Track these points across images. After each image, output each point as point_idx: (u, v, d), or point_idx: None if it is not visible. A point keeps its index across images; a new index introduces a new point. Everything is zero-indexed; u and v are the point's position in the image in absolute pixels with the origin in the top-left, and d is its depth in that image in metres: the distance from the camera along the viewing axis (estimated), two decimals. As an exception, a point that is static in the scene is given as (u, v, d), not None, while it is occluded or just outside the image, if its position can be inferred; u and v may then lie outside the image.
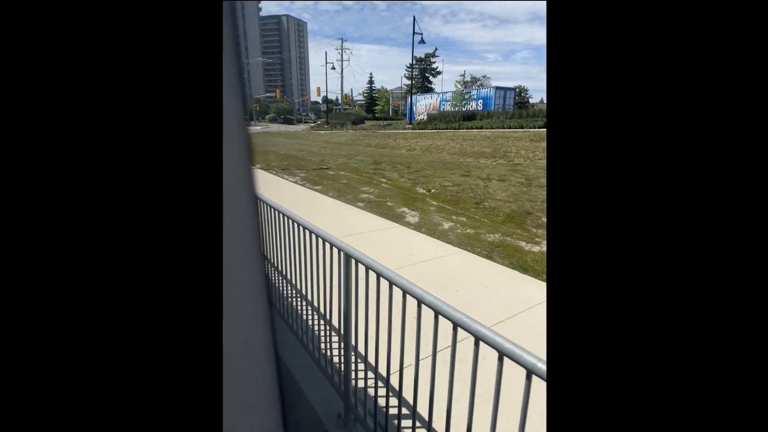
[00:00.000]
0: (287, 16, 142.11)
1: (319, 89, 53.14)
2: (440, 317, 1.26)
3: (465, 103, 30.29)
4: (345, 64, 42.01)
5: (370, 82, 65.89)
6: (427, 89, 54.07)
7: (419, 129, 26.99)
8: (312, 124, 60.39)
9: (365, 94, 66.64)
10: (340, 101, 49.65)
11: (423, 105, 36.68)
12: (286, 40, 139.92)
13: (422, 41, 27.54)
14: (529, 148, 14.20)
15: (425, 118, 32.99)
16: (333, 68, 41.84)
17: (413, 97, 38.62)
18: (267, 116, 74.48)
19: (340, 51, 44.36)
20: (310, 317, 2.50)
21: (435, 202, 6.81)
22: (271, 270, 2.85)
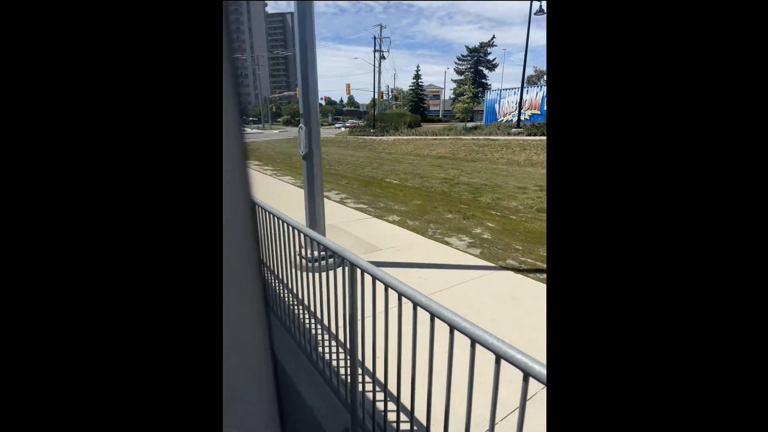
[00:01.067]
0: (292, 13, 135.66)
1: (349, 86, 45.61)
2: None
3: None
4: (385, 54, 34.94)
5: (417, 76, 57.31)
6: (481, 85, 46.26)
7: (542, 135, 19.25)
8: (333, 127, 53.02)
9: (411, 92, 58.39)
10: (376, 100, 42.44)
11: (511, 103, 28.85)
12: (291, 38, 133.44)
13: (541, 10, 20.13)
14: None
15: (528, 118, 25.18)
16: (383, 57, 34.03)
17: (491, 93, 30.97)
18: (281, 118, 67.07)
19: (378, 40, 37.02)
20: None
21: None
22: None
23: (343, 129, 44.18)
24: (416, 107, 52.22)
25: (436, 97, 62.43)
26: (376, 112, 32.48)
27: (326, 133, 37.73)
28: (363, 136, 28.44)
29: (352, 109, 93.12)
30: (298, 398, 2.03)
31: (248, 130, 49.04)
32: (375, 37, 37.12)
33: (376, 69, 34.47)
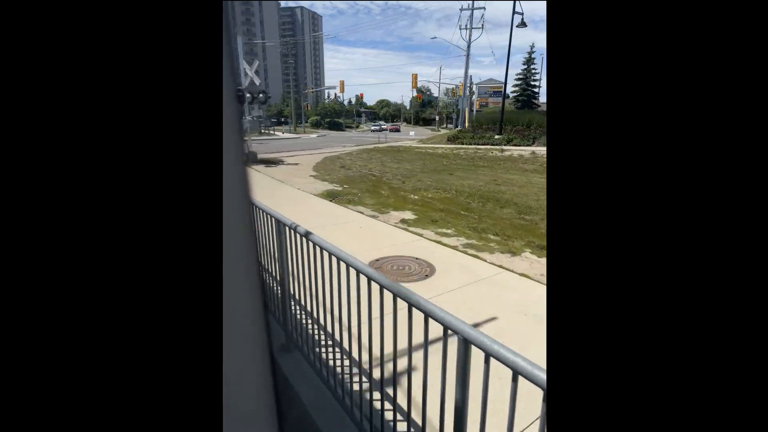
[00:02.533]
0: (301, 8, 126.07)
1: (415, 77, 34.73)
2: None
3: None
4: (475, 24, 23.51)
5: (528, 61, 45.33)
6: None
7: None
8: (370, 130, 42.64)
9: (520, 83, 46.31)
10: (454, 95, 31.82)
11: None
12: (300, 33, 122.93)
13: (523, 23, 8.78)
14: None
15: None
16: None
17: None
18: (308, 120, 55.81)
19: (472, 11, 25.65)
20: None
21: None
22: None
23: (407, 134, 33.46)
24: (527, 103, 40.50)
25: (497, 94, 51.30)
26: (463, 112, 22.02)
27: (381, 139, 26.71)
28: (507, 146, 17.43)
29: (366, 110, 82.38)
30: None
31: (279, 134, 38.11)
32: (464, 9, 26.49)
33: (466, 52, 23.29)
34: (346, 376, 2.05)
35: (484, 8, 30.83)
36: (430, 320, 1.28)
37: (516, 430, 1.12)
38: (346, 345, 1.97)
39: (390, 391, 1.59)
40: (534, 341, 2.86)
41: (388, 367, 1.55)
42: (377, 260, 4.43)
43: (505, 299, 3.56)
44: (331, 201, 7.78)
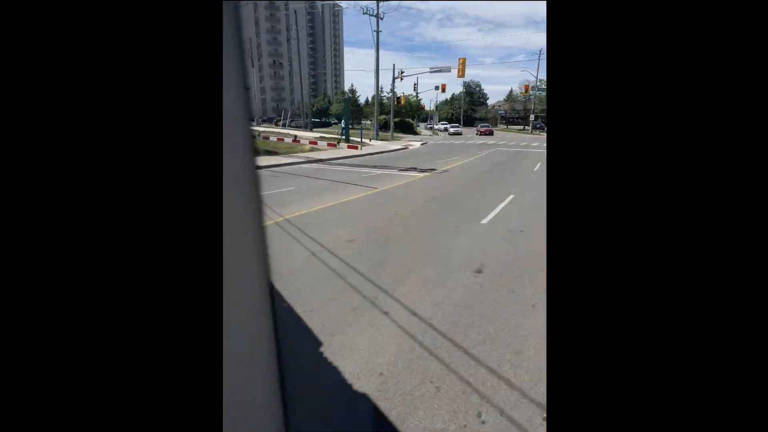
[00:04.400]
0: (322, 2, 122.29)
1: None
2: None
3: None
4: None
5: None
6: None
7: None
8: (441, 131, 36.95)
9: None
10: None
11: None
12: (320, 27, 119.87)
13: None
14: None
15: None
16: None
17: None
18: (380, 117, 48.95)
19: None
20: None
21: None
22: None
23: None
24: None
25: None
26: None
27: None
28: None
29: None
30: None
31: (368, 141, 21.11)
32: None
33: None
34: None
35: None
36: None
37: None
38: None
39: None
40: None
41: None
42: None
43: None
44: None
